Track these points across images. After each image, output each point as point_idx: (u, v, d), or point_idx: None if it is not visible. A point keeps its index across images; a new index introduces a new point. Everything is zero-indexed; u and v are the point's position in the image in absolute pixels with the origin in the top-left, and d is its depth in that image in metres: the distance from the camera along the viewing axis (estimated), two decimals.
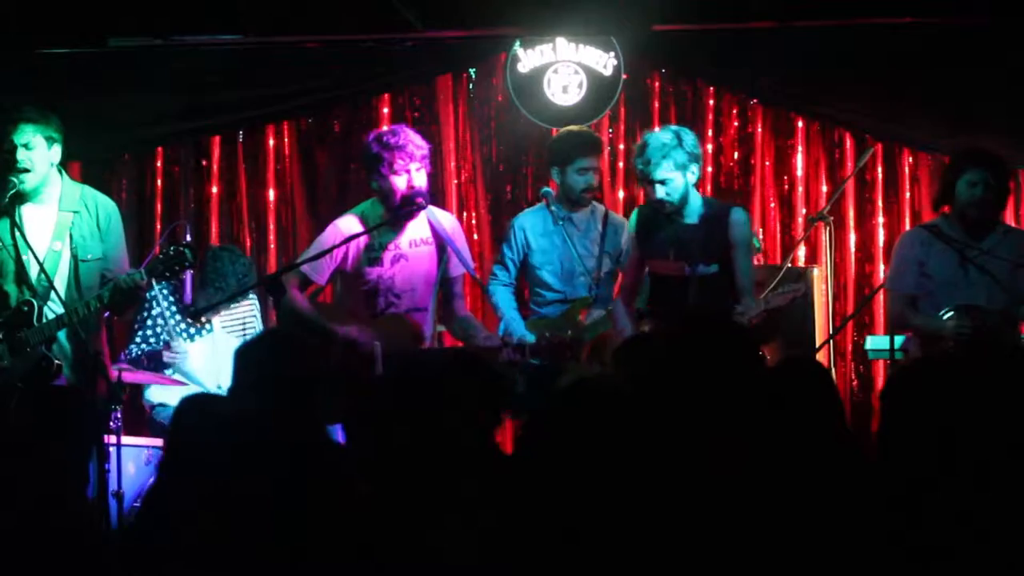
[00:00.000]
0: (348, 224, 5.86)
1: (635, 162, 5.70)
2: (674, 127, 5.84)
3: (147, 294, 6.61)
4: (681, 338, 3.61)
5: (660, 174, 5.61)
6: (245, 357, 3.64)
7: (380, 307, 5.83)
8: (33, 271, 5.32)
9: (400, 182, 5.75)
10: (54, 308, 5.30)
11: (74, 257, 5.35)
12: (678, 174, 5.62)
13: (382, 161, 5.74)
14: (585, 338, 6.24)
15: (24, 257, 5.32)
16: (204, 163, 7.84)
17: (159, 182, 7.82)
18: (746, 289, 5.70)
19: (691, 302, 5.55)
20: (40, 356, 5.27)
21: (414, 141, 5.79)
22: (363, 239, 5.82)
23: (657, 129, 5.87)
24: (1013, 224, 7.15)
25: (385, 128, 5.97)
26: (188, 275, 6.47)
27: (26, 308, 5.29)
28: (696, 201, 5.74)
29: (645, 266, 5.90)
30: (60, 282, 5.32)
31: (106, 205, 5.53)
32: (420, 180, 5.79)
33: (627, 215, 7.56)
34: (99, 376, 5.49)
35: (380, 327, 5.79)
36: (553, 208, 6.39)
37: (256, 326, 6.82)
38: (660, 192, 5.63)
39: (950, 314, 5.73)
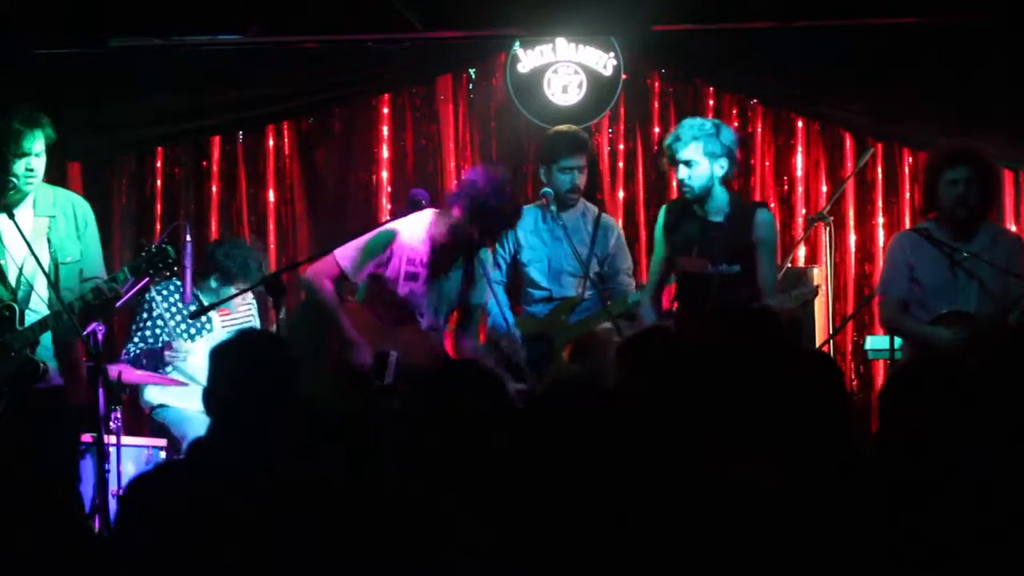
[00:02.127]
0: (412, 237, 5.73)
1: (665, 141, 5.73)
2: (715, 120, 5.88)
3: (147, 295, 6.62)
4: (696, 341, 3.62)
5: (685, 154, 5.62)
6: (220, 357, 3.63)
7: (404, 320, 5.77)
8: (12, 276, 5.32)
9: (470, 247, 5.73)
10: (35, 311, 5.29)
11: (54, 261, 5.33)
12: (705, 161, 5.64)
13: (492, 231, 5.72)
14: (568, 338, 6.28)
15: (2, 262, 5.31)
16: (204, 163, 7.84)
17: (159, 182, 7.81)
18: (768, 289, 5.70)
19: (713, 300, 5.54)
20: (25, 360, 5.25)
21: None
22: (410, 253, 5.72)
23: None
24: (1013, 224, 7.16)
25: (509, 204, 5.70)
26: (188, 275, 6.46)
27: (7, 313, 5.27)
28: (722, 198, 5.74)
29: (671, 262, 5.89)
30: (40, 286, 5.31)
31: (82, 205, 5.51)
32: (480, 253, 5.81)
33: (627, 216, 7.61)
34: (78, 377, 5.47)
35: (399, 337, 5.74)
36: (553, 208, 6.40)
37: (255, 326, 6.81)
38: (682, 173, 5.65)
39: (947, 324, 5.68)
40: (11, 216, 5.33)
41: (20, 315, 5.27)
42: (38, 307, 5.32)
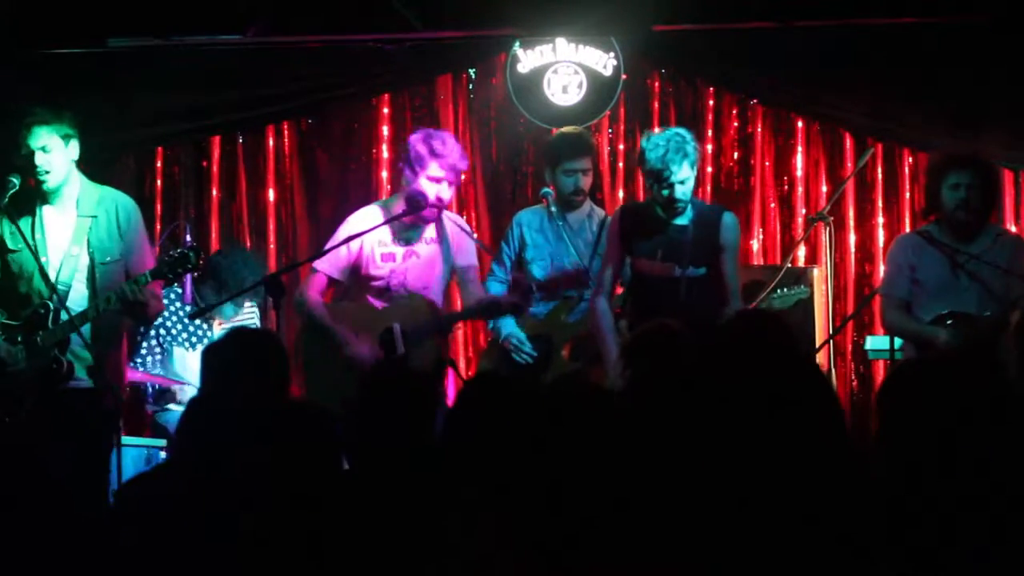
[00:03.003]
0: (365, 216, 6.03)
1: (651, 162, 5.63)
2: (675, 128, 5.85)
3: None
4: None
5: (681, 174, 5.61)
6: (212, 357, 3.63)
7: (393, 296, 6.02)
8: (52, 274, 5.33)
9: (430, 189, 5.93)
10: (72, 311, 5.31)
11: (92, 261, 5.35)
12: (692, 173, 5.65)
13: (422, 162, 5.90)
14: (567, 337, 6.30)
15: (43, 259, 5.33)
16: (204, 164, 7.84)
17: (159, 182, 7.81)
18: (733, 292, 5.73)
19: (681, 304, 5.54)
20: (52, 358, 5.27)
21: (456, 154, 5.97)
22: (380, 233, 5.95)
23: (658, 130, 5.87)
24: (1014, 225, 7.16)
25: (435, 131, 6.15)
26: (188, 276, 6.46)
27: (42, 311, 5.29)
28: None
29: (624, 265, 5.89)
30: (78, 286, 5.33)
31: (126, 205, 5.54)
32: (446, 194, 6.01)
33: None
34: (117, 379, 5.49)
35: (396, 309, 5.94)
36: (553, 209, 6.41)
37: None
38: (679, 191, 5.63)
39: (948, 322, 5.69)
40: (39, 211, 5.35)
41: (55, 314, 5.29)
42: (74, 307, 5.33)
